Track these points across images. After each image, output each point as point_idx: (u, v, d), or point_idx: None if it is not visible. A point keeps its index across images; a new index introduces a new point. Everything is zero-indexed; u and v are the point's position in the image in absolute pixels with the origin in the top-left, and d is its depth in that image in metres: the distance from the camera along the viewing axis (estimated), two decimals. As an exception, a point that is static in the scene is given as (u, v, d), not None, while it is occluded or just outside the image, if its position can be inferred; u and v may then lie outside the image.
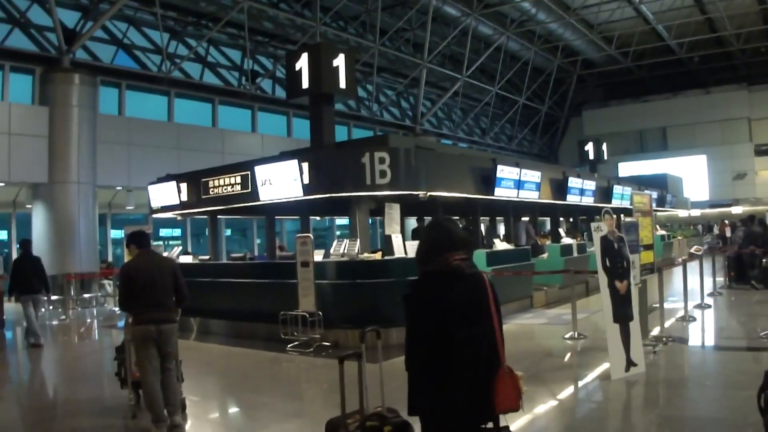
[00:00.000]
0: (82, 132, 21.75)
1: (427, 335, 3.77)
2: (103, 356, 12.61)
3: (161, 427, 6.93)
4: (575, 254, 18.74)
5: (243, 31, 27.33)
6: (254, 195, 13.41)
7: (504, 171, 15.43)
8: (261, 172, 13.10)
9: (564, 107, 49.37)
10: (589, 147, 33.96)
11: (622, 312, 8.67)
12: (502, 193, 15.45)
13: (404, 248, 12.29)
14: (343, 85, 14.68)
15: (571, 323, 12.12)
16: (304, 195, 12.37)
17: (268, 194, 13.08)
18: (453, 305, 3.70)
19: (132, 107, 25.73)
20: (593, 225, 8.86)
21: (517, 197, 16.24)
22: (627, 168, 44.30)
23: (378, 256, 12.46)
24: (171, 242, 29.06)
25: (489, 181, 15.02)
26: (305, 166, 12.30)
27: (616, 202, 23.24)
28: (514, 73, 41.25)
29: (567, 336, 11.86)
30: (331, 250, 12.53)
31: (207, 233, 26.73)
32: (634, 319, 8.82)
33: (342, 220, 33.87)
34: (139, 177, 22.66)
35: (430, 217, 18.88)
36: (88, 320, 19.41)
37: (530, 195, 16.91)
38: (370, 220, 14.03)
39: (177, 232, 31.77)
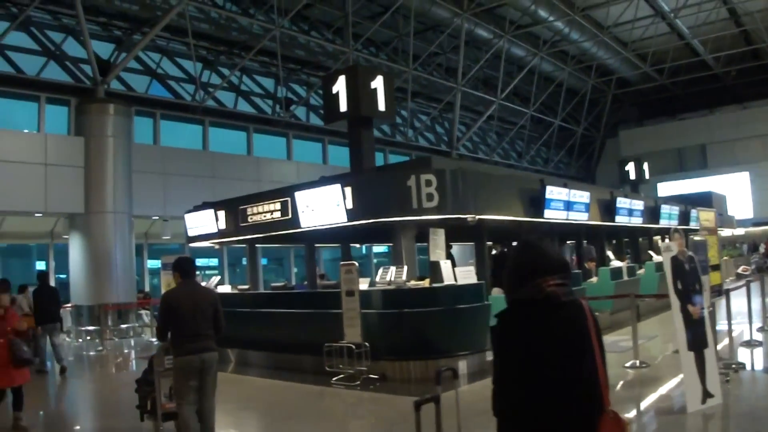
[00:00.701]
0: (118, 162, 21.56)
1: (518, 374, 3.14)
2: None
3: None
4: (625, 277, 18.02)
5: (275, 59, 27.15)
6: (295, 222, 12.98)
7: (553, 192, 14.87)
8: (302, 198, 12.67)
9: (599, 128, 48.54)
10: (630, 167, 33.17)
11: (697, 338, 8.06)
12: (551, 215, 14.87)
13: (454, 275, 11.75)
14: (382, 107, 14.31)
15: (631, 351, 11.56)
16: (348, 221, 11.93)
17: (309, 221, 12.64)
18: (548, 339, 3.10)
19: (167, 137, 25.62)
20: (662, 245, 8.29)
21: (567, 219, 15.65)
22: (666, 188, 43.24)
23: (425, 283, 11.96)
24: (207, 272, 28.79)
25: (538, 203, 14.45)
26: (348, 190, 11.84)
27: (663, 222, 22.56)
28: (548, 95, 40.66)
29: (628, 365, 11.24)
30: (377, 278, 12.04)
31: (244, 262, 26.40)
32: (709, 345, 8.21)
33: (379, 248, 33.58)
34: (175, 206, 22.40)
35: (472, 243, 18.40)
36: (125, 351, 19.13)
37: (579, 216, 16.31)
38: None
39: (213, 261, 31.52)
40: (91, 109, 21.46)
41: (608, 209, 18.60)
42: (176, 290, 7.31)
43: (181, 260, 7.59)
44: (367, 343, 11.09)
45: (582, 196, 16.37)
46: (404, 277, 11.55)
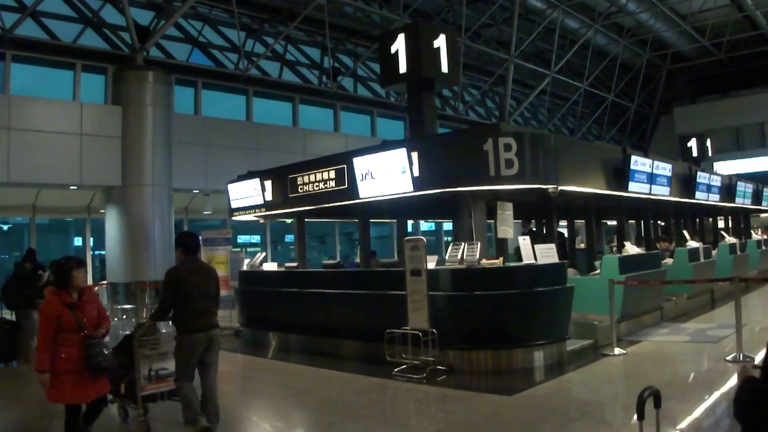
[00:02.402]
0: (157, 132, 20.44)
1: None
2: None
3: (200, 422, 6.86)
4: (702, 259, 16.48)
5: (320, 28, 26.07)
6: (352, 192, 11.62)
7: (637, 162, 13.39)
8: (361, 164, 11.29)
9: (653, 105, 46.70)
10: (692, 143, 31.30)
11: None
12: (635, 188, 13.42)
13: (534, 253, 10.36)
14: (445, 69, 12.96)
15: (727, 341, 10.41)
16: (414, 190, 10.54)
17: (369, 190, 11.27)
18: None
19: (208, 107, 24.47)
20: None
21: (649, 193, 14.17)
22: (724, 167, 41.06)
23: (499, 262, 10.59)
24: (249, 249, 27.73)
25: (621, 175, 12.98)
26: (415, 156, 10.47)
27: (738, 201, 20.95)
28: (601, 70, 38.97)
29: (729, 358, 9.77)
30: (446, 256, 10.62)
31: (286, 239, 25.20)
32: None
33: (426, 224, 32.29)
34: (217, 180, 21.50)
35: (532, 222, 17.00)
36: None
37: (662, 191, 14.83)
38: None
39: (255, 238, 30.43)
40: (129, 77, 20.34)
41: (687, 185, 17.09)
42: (182, 267, 7.24)
43: (184, 236, 7.56)
44: (434, 330, 9.73)
45: (665, 168, 14.88)
46: (477, 255, 10.15)
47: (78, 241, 25.39)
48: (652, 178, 14.09)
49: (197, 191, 23.69)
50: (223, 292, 16.25)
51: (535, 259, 10.35)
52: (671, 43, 39.47)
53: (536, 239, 11.91)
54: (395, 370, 10.00)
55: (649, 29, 36.90)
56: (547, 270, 10.37)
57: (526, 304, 10.01)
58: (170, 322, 7.30)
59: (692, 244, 17.57)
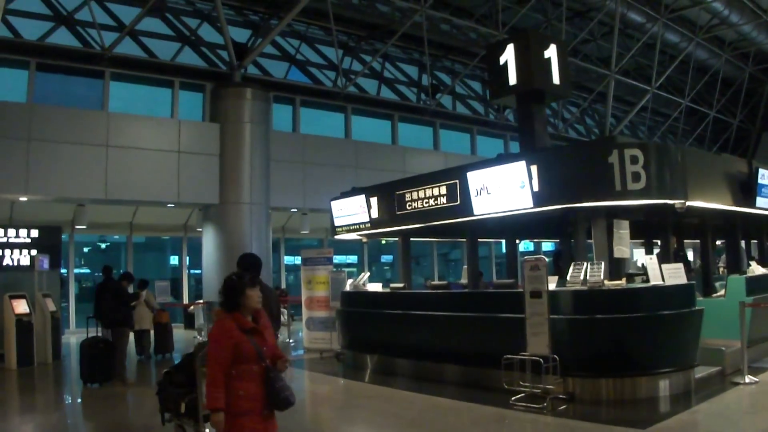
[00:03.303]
0: (255, 150, 20.22)
1: None
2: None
3: None
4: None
5: (417, 45, 25.76)
6: (465, 208, 11.10)
7: (765, 176, 12.52)
8: (475, 179, 10.76)
9: (755, 120, 44.93)
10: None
11: None
12: (762, 203, 12.54)
13: (661, 273, 9.65)
14: (556, 80, 12.46)
15: None
16: (535, 206, 9.96)
17: (484, 207, 10.72)
18: None
19: (307, 124, 24.19)
20: None
21: (774, 209, 13.24)
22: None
23: (622, 283, 9.91)
24: (344, 269, 27.47)
25: (748, 189, 12.12)
26: (534, 169, 9.89)
27: None
28: (702, 86, 37.60)
29: None
30: (568, 277, 9.97)
31: (383, 260, 24.68)
32: None
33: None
34: (315, 198, 21.36)
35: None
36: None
37: (788, 207, 13.84)
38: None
39: (351, 258, 30.18)
40: (227, 94, 20.23)
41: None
42: None
43: (247, 257, 7.59)
44: (556, 356, 9.10)
45: (793, 182, 13.88)
46: (602, 276, 9.48)
47: (174, 260, 25.56)
48: (776, 194, 13.16)
49: (295, 210, 23.42)
50: (323, 314, 16.12)
51: (663, 279, 9.64)
52: (775, 56, 38.05)
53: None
54: (512, 398, 9.36)
55: (751, 42, 35.52)
56: (675, 291, 9.66)
57: (653, 328, 9.30)
58: None
59: (758, 269, 16.49)
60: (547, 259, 9.73)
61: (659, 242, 14.11)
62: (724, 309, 10.84)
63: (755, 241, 18.91)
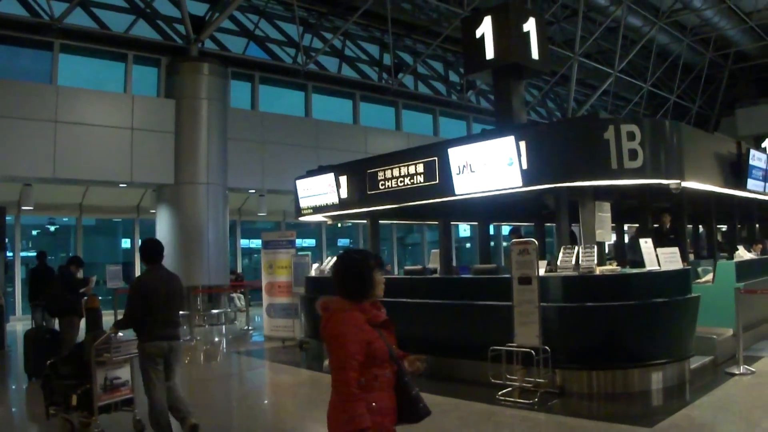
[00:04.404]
0: (212, 128, 19.36)
1: None
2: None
3: (189, 420, 6.95)
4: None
5: (380, 24, 25.04)
6: (445, 187, 10.31)
7: (755, 157, 11.99)
8: (457, 155, 9.96)
9: (714, 106, 45.10)
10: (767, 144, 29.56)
11: None
12: (753, 186, 12.02)
13: (657, 258, 9.01)
14: (535, 55, 11.84)
15: None
16: (524, 185, 9.24)
17: (467, 186, 9.94)
18: None
19: (266, 102, 23.36)
20: None
21: (764, 192, 12.74)
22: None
23: (616, 268, 9.29)
24: (299, 252, 26.73)
25: (738, 171, 11.56)
26: (522, 145, 9.16)
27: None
28: (663, 71, 37.57)
29: None
30: (558, 262, 9.26)
31: (341, 243, 23.92)
32: None
33: (435, 234, 31.13)
34: (274, 179, 20.86)
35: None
36: (216, 339, 16.96)
37: (773, 190, 13.39)
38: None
39: (307, 242, 29.38)
40: (183, 69, 19.34)
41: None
42: (151, 275, 7.14)
43: (150, 243, 7.45)
44: (547, 348, 8.41)
45: (780, 164, 13.43)
46: (595, 261, 8.81)
47: (126, 243, 24.53)
48: (767, 176, 12.67)
49: (253, 191, 22.68)
50: (285, 300, 15.30)
51: (659, 264, 9.02)
52: (734, 42, 38.00)
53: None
54: (499, 393, 8.63)
55: (712, 27, 35.42)
56: (670, 278, 9.05)
57: (644, 317, 8.67)
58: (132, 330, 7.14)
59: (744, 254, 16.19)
60: (536, 242, 9.01)
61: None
62: (713, 295, 10.25)
63: (724, 227, 18.67)
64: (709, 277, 11.45)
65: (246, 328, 17.94)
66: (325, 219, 14.08)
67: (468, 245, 33.67)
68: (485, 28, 11.83)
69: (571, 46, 30.39)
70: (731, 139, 12.49)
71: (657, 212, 13.71)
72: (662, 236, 12.20)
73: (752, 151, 11.85)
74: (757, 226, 17.96)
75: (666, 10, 32.21)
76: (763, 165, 12.49)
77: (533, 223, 15.90)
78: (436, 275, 12.29)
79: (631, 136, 8.71)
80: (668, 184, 9.31)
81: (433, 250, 14.71)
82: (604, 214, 10.41)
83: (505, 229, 30.42)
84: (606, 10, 30.77)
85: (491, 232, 17.59)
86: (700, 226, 18.98)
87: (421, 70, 29.58)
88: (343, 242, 33.36)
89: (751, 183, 11.98)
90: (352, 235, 30.75)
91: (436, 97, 29.51)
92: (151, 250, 7.28)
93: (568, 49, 30.69)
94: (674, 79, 38.63)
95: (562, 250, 9.25)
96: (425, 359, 4.30)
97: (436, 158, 10.55)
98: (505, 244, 30.75)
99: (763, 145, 28.15)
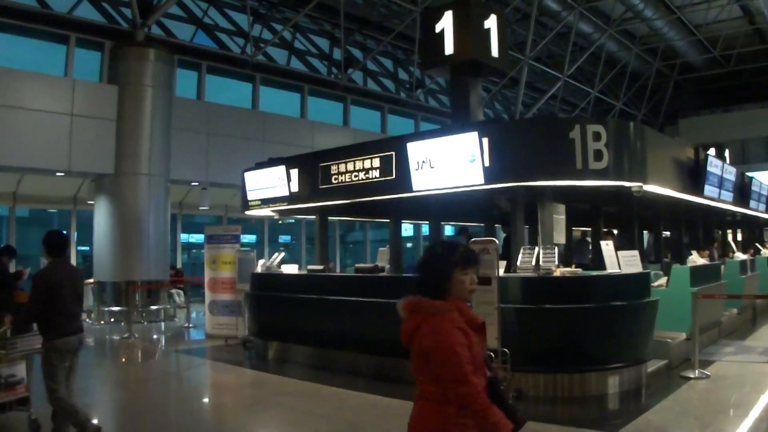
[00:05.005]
0: (156, 116, 18.64)
1: None
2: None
3: (91, 426, 6.70)
4: (749, 272, 15.29)
5: (330, 17, 24.86)
6: (403, 183, 9.97)
7: (712, 164, 11.92)
8: (417, 150, 9.63)
9: (658, 115, 45.72)
10: (711, 153, 29.87)
11: None
12: (709, 193, 11.96)
13: (618, 261, 8.82)
14: (495, 53, 11.62)
15: None
16: (486, 183, 8.93)
17: (425, 182, 9.62)
18: None
19: (212, 92, 22.83)
20: None
21: (718, 199, 12.72)
22: (729, 181, 40.10)
23: (576, 270, 9.07)
24: (242, 248, 26.20)
25: (697, 177, 11.47)
26: (485, 142, 8.85)
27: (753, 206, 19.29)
28: (611, 78, 38.05)
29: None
30: (518, 262, 9.00)
31: (282, 239, 23.47)
32: None
33: (378, 233, 31.04)
34: (219, 171, 20.35)
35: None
36: (155, 337, 16.50)
37: (726, 198, 13.39)
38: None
39: (247, 238, 28.80)
40: (128, 54, 18.55)
41: (742, 193, 15.71)
42: (54, 269, 6.89)
43: (54, 235, 7.18)
44: (506, 350, 8.12)
45: (731, 173, 13.44)
46: (556, 262, 8.58)
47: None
48: (721, 183, 12.63)
49: (196, 183, 22.07)
50: (228, 297, 14.80)
51: (619, 267, 8.86)
52: (681, 53, 38.67)
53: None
54: (457, 397, 8.32)
55: (661, 37, 35.96)
56: (630, 281, 8.93)
57: (603, 320, 8.53)
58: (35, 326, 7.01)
59: (740, 255, 16.34)
60: (497, 242, 8.74)
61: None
62: (667, 300, 10.18)
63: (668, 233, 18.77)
64: (662, 281, 11.52)
65: (186, 325, 17.38)
66: (272, 213, 13.68)
67: (409, 245, 33.36)
68: (445, 23, 11.55)
69: (522, 49, 30.39)
70: (690, 144, 12.44)
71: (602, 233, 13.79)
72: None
73: (710, 158, 11.79)
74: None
75: (617, 18, 32.59)
76: (718, 172, 12.46)
77: (483, 224, 15.72)
78: (388, 274, 11.87)
79: (597, 137, 8.52)
80: (630, 187, 9.14)
81: (381, 249, 14.34)
82: (559, 216, 10.19)
83: (449, 230, 30.30)
84: (558, 15, 30.97)
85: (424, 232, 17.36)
86: (645, 232, 19.10)
87: (370, 67, 29.34)
88: (284, 238, 32.89)
89: (708, 189, 11.92)
90: (295, 231, 30.28)
91: (385, 94, 29.26)
92: (56, 242, 7.08)
93: (518, 52, 30.66)
94: (621, 87, 39.15)
95: (521, 250, 9.01)
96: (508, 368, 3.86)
97: (393, 153, 10.25)
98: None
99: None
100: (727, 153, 29.89)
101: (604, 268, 9.26)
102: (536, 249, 8.84)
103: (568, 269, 8.90)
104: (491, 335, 8.17)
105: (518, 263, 8.91)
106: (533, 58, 31.57)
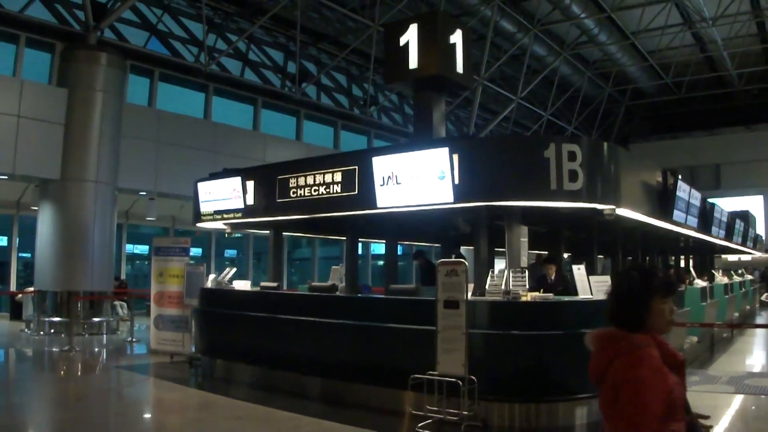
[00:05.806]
0: (106, 122, 18.03)
1: None
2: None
3: None
4: (708, 300, 15.33)
5: (285, 29, 24.73)
6: (366, 199, 9.53)
7: (681, 189, 11.75)
8: (382, 165, 9.21)
9: (609, 139, 45.99)
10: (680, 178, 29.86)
11: None
12: (676, 217, 11.79)
13: (589, 286, 8.52)
14: (460, 68, 11.34)
15: None
16: (455, 201, 8.57)
17: (390, 198, 9.21)
18: None
19: (164, 100, 22.23)
20: None
21: (685, 224, 12.56)
22: (679, 208, 40.56)
23: (543, 295, 8.75)
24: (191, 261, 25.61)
25: (666, 202, 11.28)
26: (456, 158, 8.50)
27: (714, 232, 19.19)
28: (563, 102, 38.27)
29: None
30: (487, 286, 8.64)
31: (227, 254, 23.02)
32: None
33: (326, 250, 30.80)
34: (168, 182, 19.78)
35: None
36: (96, 350, 15.82)
37: (692, 224, 13.25)
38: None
39: (194, 251, 28.12)
40: (79, 57, 17.97)
41: (705, 219, 15.60)
42: None
43: None
44: (474, 377, 7.75)
45: (696, 198, 13.30)
46: (526, 285, 8.24)
47: (2, 241, 22.87)
48: (688, 209, 12.47)
49: (144, 193, 21.49)
50: (175, 312, 14.19)
51: (591, 293, 8.56)
52: (633, 79, 39.06)
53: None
54: (419, 425, 7.90)
55: (614, 63, 36.23)
56: (599, 308, 8.57)
57: (571, 347, 8.12)
58: None
59: (699, 282, 16.28)
60: (466, 263, 8.37)
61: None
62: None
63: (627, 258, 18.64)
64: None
65: (129, 339, 16.74)
66: (224, 226, 13.17)
67: (359, 262, 32.96)
68: (410, 36, 11.22)
69: (477, 70, 30.23)
70: (659, 168, 12.26)
71: (540, 260, 13.50)
72: (549, 288, 11.30)
73: (680, 183, 11.63)
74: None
75: (571, 43, 32.64)
76: (686, 197, 12.31)
77: (440, 245, 15.40)
78: (342, 294, 11.38)
79: (572, 156, 8.22)
80: (603, 210, 8.83)
81: (333, 267, 13.87)
82: (522, 239, 9.88)
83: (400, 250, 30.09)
84: (513, 37, 30.85)
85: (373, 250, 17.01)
86: (600, 256, 18.95)
87: (325, 81, 29.11)
88: (230, 253, 32.31)
89: (676, 214, 11.75)
90: (242, 245, 29.71)
91: (339, 109, 29.03)
92: None
93: (473, 73, 30.56)
94: (573, 110, 39.35)
95: (490, 273, 8.67)
96: (708, 417, 3.44)
97: (356, 167, 9.81)
98: (401, 263, 30.35)
99: (659, 180, 28.77)
100: (680, 179, 30.15)
101: (570, 293, 8.98)
102: (506, 271, 8.50)
103: (538, 294, 8.57)
104: (457, 362, 7.84)
105: (486, 287, 8.56)
106: (487, 79, 31.42)
